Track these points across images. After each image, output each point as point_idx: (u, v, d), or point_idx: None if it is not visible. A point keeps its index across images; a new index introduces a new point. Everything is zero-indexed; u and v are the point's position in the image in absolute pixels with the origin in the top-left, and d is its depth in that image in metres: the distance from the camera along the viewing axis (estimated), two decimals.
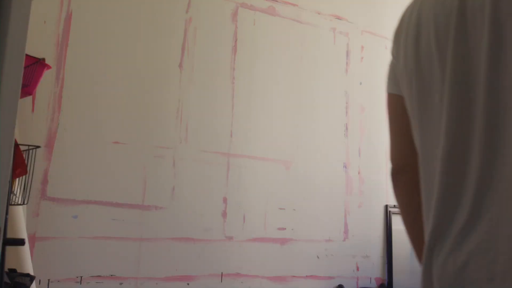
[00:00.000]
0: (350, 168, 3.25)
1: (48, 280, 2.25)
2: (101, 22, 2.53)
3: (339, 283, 3.06)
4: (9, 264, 1.82)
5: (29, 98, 2.28)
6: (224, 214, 2.75)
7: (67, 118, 2.40)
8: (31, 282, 1.78)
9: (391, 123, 1.09)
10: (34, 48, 2.25)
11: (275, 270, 2.86)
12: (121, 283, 2.41)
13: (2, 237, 0.95)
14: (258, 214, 2.86)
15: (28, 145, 2.01)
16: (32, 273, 1.93)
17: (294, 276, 2.92)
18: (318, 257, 3.02)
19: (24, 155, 1.91)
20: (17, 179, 1.92)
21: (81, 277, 2.32)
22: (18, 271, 1.82)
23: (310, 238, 3.01)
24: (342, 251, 3.12)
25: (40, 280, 2.22)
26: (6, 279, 1.64)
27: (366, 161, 3.33)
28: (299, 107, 3.11)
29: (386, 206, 3.36)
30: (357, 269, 3.17)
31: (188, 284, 2.58)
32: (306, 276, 2.96)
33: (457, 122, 0.81)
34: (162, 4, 2.72)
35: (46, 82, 2.33)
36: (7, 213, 1.18)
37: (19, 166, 1.77)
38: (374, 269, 3.24)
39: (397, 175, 1.09)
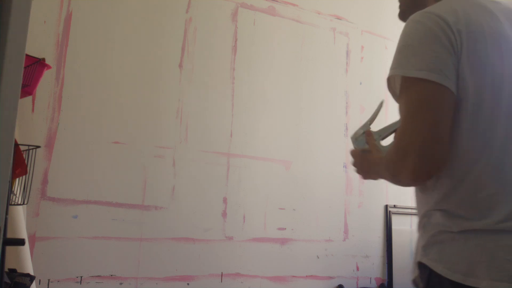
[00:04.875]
0: (350, 168, 3.25)
1: (48, 280, 2.25)
2: (101, 22, 2.53)
3: (339, 283, 3.06)
4: (9, 264, 1.82)
5: (29, 98, 2.28)
6: (224, 214, 2.75)
7: (67, 118, 2.40)
8: (31, 282, 1.78)
9: (441, 116, 1.00)
10: (34, 48, 2.25)
11: (275, 270, 2.86)
12: (121, 283, 2.41)
13: (2, 237, 0.95)
14: (258, 214, 2.86)
15: (28, 145, 2.01)
16: (32, 273, 1.93)
17: (294, 276, 2.92)
18: (318, 257, 3.02)
19: (24, 155, 1.91)
20: (17, 179, 1.91)
21: (81, 277, 2.32)
22: (18, 271, 1.82)
23: (310, 238, 3.01)
24: (342, 251, 3.12)
25: (40, 280, 2.22)
26: (6, 279, 1.63)
27: None
28: (299, 107, 3.11)
29: (386, 206, 3.36)
30: (357, 269, 3.17)
31: (188, 284, 2.58)
32: (306, 276, 2.96)
33: None
34: (162, 4, 2.72)
35: (46, 82, 2.33)
36: (7, 213, 1.18)
37: (19, 166, 1.77)
38: (374, 269, 3.24)
39: (429, 178, 1.03)
